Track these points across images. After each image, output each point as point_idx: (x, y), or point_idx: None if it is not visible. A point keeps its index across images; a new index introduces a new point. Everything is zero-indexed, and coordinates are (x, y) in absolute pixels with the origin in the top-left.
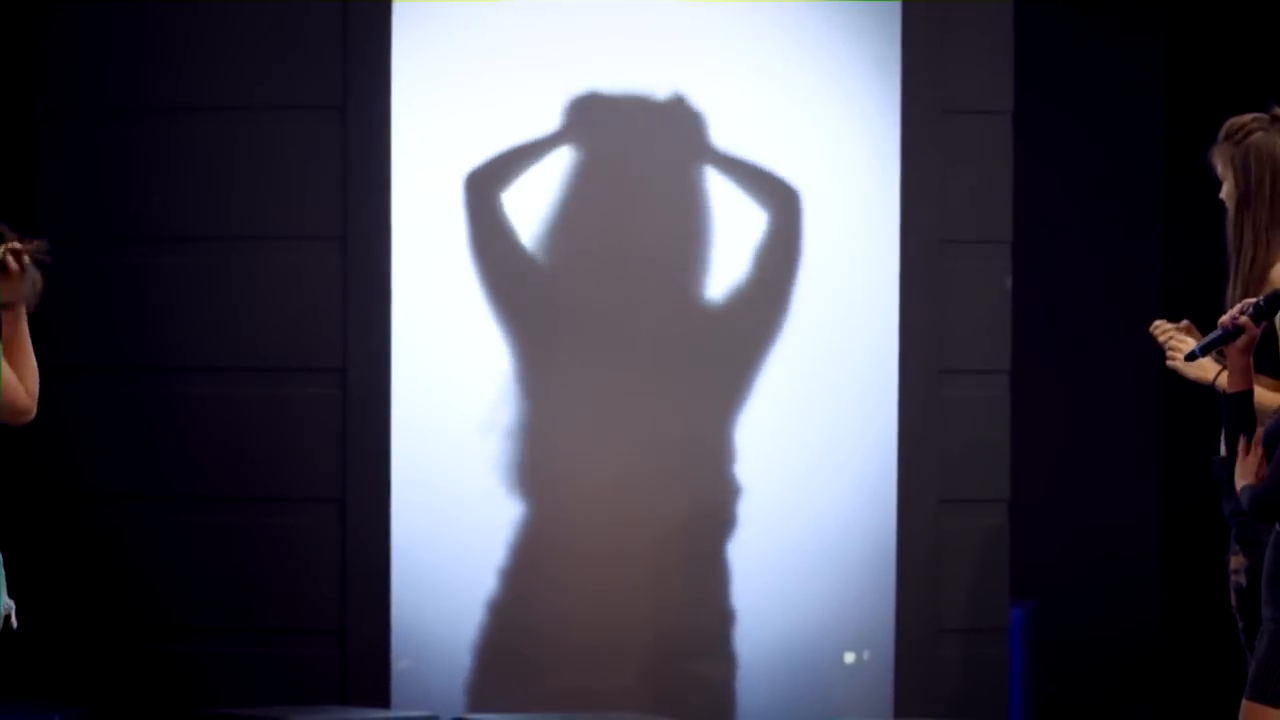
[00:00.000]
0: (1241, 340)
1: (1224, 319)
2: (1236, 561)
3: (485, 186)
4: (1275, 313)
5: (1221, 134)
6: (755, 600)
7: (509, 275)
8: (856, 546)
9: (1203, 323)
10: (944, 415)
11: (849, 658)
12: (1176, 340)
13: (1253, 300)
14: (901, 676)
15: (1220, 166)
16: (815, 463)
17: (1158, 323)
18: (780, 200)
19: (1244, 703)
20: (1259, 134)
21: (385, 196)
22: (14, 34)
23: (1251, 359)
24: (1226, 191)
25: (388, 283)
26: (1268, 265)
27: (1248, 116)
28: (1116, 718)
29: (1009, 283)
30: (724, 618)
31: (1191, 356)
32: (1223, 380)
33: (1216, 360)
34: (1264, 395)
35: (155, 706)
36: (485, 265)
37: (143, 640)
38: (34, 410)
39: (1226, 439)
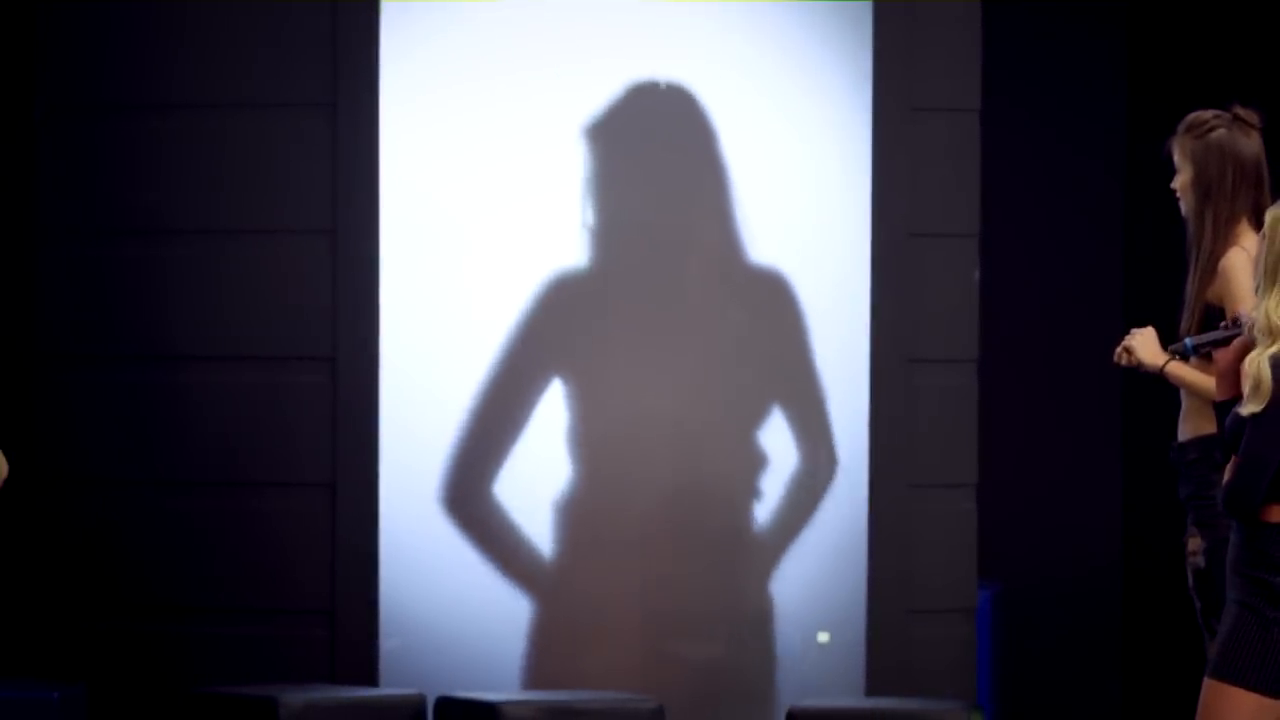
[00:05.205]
0: (1239, 341)
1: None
2: (1194, 544)
3: None
4: None
5: (1183, 126)
6: (732, 581)
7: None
8: (830, 529)
9: (1165, 319)
10: (914, 402)
11: (822, 637)
12: (1131, 342)
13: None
14: (873, 655)
15: (1178, 157)
16: (791, 447)
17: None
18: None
19: (1206, 681)
20: (1221, 131)
21: (374, 190)
22: (14, 34)
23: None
24: (1181, 182)
25: (376, 274)
26: (1221, 257)
27: (1209, 113)
28: (1081, 696)
29: (976, 275)
30: (703, 598)
31: (1183, 352)
32: (1172, 368)
33: (1167, 352)
34: (1206, 381)
35: (151, 685)
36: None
37: (139, 621)
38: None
39: (1223, 448)
